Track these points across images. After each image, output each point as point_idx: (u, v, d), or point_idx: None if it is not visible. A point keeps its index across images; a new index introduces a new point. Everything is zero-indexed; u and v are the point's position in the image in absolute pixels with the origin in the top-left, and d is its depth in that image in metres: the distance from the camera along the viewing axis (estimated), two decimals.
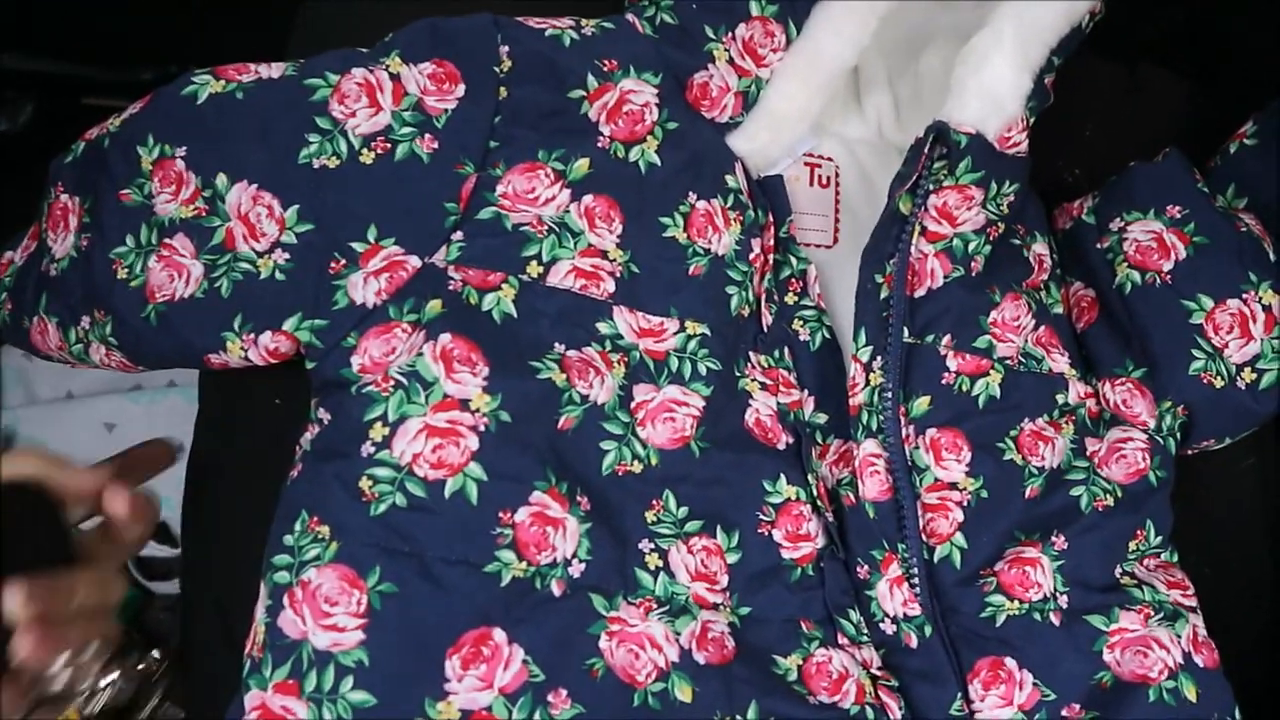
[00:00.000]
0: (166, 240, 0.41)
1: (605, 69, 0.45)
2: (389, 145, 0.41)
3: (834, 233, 0.51)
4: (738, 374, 0.44)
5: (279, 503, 0.39)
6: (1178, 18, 0.63)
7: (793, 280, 0.46)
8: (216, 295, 0.40)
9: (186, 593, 0.48)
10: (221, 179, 0.41)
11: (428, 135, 0.41)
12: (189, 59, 0.78)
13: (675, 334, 0.42)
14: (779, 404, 0.44)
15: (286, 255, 0.40)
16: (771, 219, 0.46)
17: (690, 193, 0.44)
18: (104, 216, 0.42)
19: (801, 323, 0.46)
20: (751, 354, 0.44)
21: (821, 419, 0.45)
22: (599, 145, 0.44)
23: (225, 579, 0.45)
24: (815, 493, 0.43)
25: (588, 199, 0.43)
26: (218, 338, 0.41)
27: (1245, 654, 0.53)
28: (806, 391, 0.45)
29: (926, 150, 0.44)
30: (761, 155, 0.47)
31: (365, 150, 0.41)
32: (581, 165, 0.43)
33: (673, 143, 0.45)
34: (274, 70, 0.42)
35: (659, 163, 0.44)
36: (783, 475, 0.42)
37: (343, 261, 0.40)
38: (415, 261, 0.40)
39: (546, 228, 0.42)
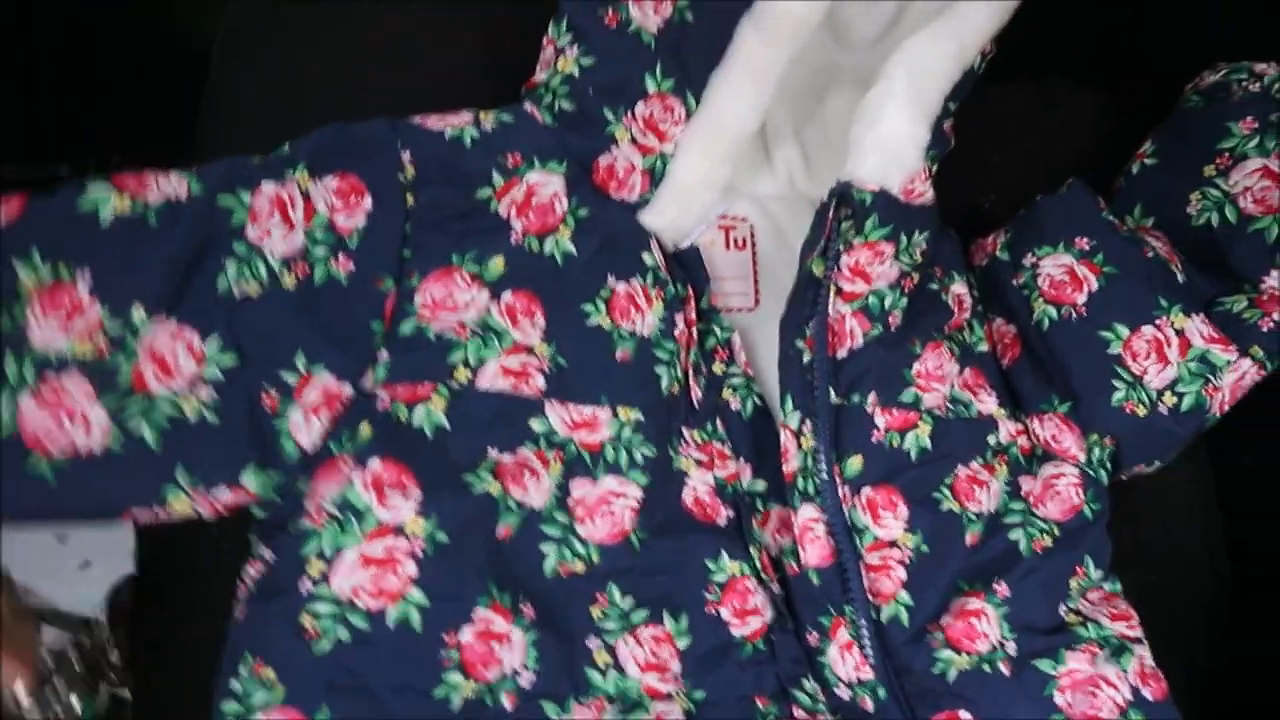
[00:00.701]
0: (49, 377, 0.36)
1: (510, 164, 0.44)
2: (307, 268, 0.40)
3: (754, 294, 0.51)
4: (672, 453, 0.44)
5: (225, 645, 0.38)
6: (1085, 31, 0.63)
7: (719, 349, 0.46)
8: (141, 447, 0.37)
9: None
10: (139, 313, 0.37)
11: (341, 255, 0.41)
12: (108, 151, 0.77)
13: (608, 422, 0.42)
14: (716, 478, 0.44)
15: (213, 393, 0.38)
16: (691, 291, 0.46)
17: (609, 276, 0.44)
18: None
19: (731, 391, 0.46)
20: (684, 430, 0.44)
21: (760, 486, 0.45)
22: (512, 241, 0.44)
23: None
24: (759, 564, 0.43)
25: (507, 296, 0.43)
26: (154, 492, 0.37)
27: (1197, 663, 0.55)
28: (743, 459, 0.45)
29: (832, 213, 0.45)
30: (674, 228, 0.47)
31: (286, 273, 0.40)
32: (497, 263, 0.43)
33: (585, 229, 0.45)
34: (179, 188, 0.39)
35: (574, 251, 0.44)
36: (724, 551, 0.42)
37: (275, 396, 0.39)
38: (349, 390, 0.40)
39: (469, 331, 0.42)
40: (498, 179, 0.44)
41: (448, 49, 0.55)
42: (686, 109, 0.45)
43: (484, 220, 0.43)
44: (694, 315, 0.46)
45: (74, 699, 0.49)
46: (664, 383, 0.44)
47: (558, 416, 0.42)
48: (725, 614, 0.42)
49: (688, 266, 0.47)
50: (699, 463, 0.44)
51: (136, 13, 0.69)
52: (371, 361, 0.40)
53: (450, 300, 0.42)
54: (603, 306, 0.44)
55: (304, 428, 0.39)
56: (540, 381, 0.42)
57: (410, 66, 0.54)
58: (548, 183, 0.44)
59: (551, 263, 0.44)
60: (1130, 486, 0.53)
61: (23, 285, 0.36)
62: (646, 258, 0.45)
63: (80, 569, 0.64)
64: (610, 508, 0.41)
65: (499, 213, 0.44)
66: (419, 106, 0.48)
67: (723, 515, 0.44)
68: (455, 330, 0.41)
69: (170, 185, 0.40)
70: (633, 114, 0.45)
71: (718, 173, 0.47)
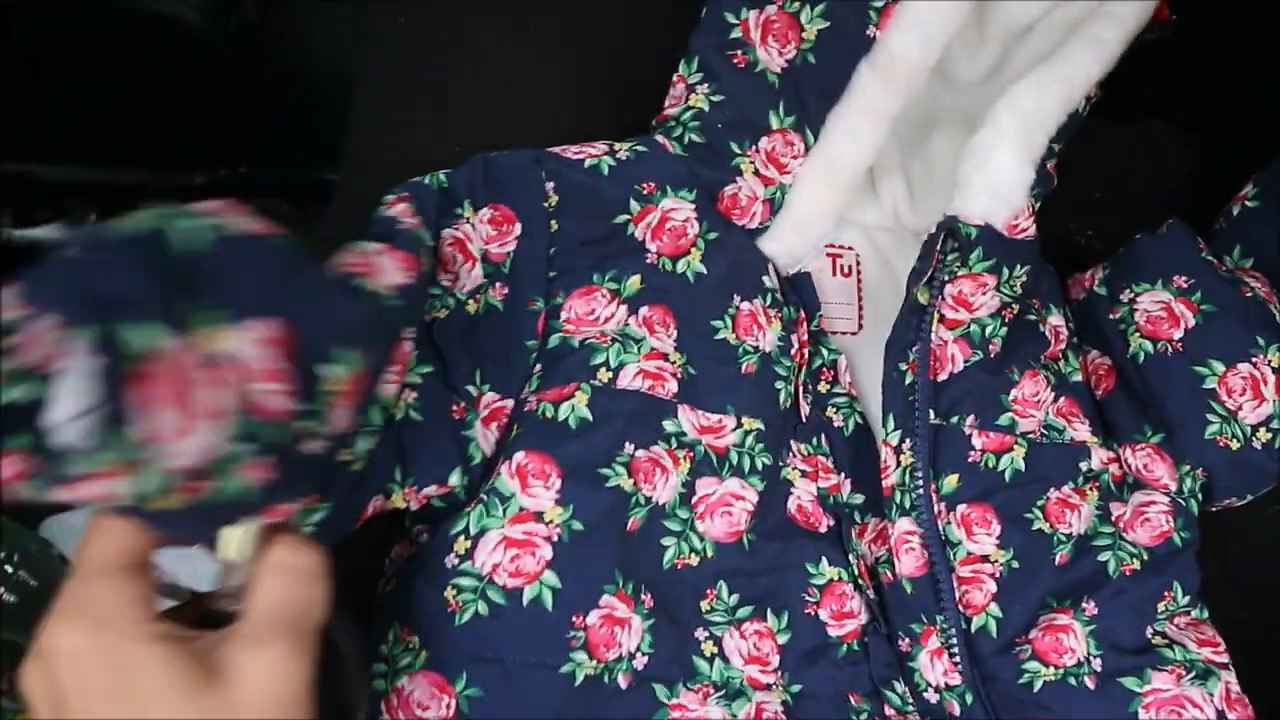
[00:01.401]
0: None
1: (645, 192, 0.48)
2: (477, 299, 0.45)
3: (858, 319, 0.54)
4: (781, 464, 0.47)
5: (375, 614, 0.43)
6: (1175, 76, 0.65)
7: (824, 370, 0.50)
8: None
9: None
10: None
11: (498, 283, 0.45)
12: (239, 161, 0.84)
13: (734, 430, 0.46)
14: (819, 489, 0.47)
15: (415, 395, 0.42)
16: (803, 314, 0.50)
17: (735, 295, 0.48)
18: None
19: (835, 410, 0.49)
20: (792, 443, 0.48)
21: (859, 500, 0.48)
22: (648, 261, 0.47)
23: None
24: (856, 571, 0.46)
25: (644, 310, 0.46)
26: (384, 489, 0.41)
27: None
28: (843, 474, 0.48)
29: (940, 245, 0.47)
30: (788, 255, 0.51)
31: (470, 301, 0.45)
32: (634, 282, 0.47)
33: (714, 251, 0.48)
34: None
35: (705, 271, 0.48)
36: (824, 557, 0.46)
37: (462, 405, 0.43)
38: (510, 404, 0.44)
39: (610, 338, 0.45)
40: (634, 205, 0.48)
41: (571, 74, 0.59)
42: (806, 144, 0.49)
43: (622, 243, 0.47)
44: (805, 336, 0.49)
45: None
46: (782, 397, 0.47)
47: (687, 420, 0.45)
48: (824, 615, 0.45)
49: (800, 291, 0.51)
50: (804, 473, 0.47)
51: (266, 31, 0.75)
52: (529, 376, 0.45)
53: (592, 315, 0.46)
54: (729, 322, 0.47)
55: (482, 437, 0.43)
56: (674, 386, 0.45)
57: (531, 84, 0.58)
58: (680, 209, 0.48)
59: (684, 280, 0.47)
60: (1219, 519, 0.54)
61: None
62: (766, 280, 0.49)
63: (200, 548, 0.68)
64: (730, 509, 0.45)
65: (635, 236, 0.48)
66: (542, 122, 0.52)
67: (824, 524, 0.47)
68: (597, 338, 0.45)
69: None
70: (756, 147, 0.49)
71: (834, 204, 0.50)
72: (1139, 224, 0.57)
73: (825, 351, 0.50)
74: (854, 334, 0.54)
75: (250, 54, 0.78)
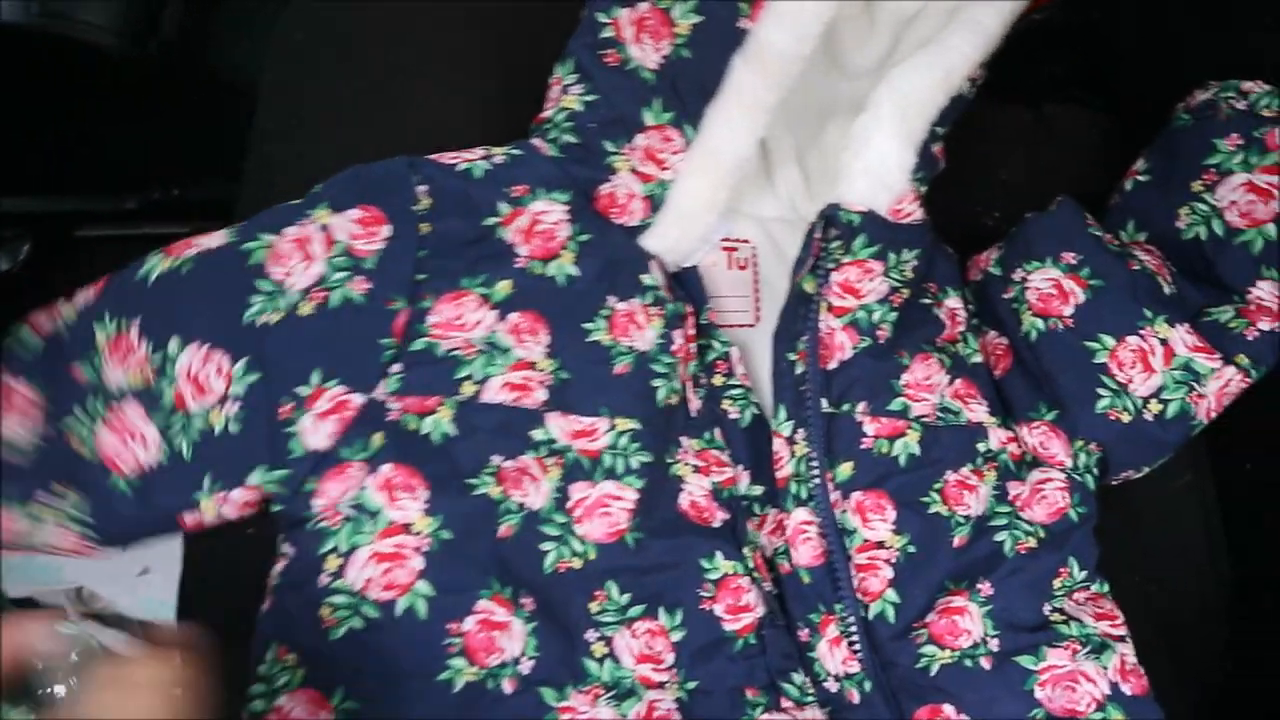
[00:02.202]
0: (114, 405, 0.43)
1: (515, 195, 0.48)
2: (325, 293, 0.44)
3: (755, 311, 0.54)
4: (669, 460, 0.47)
5: (254, 635, 0.42)
6: (1072, 56, 0.66)
7: (719, 362, 0.50)
8: (179, 458, 0.43)
9: None
10: (174, 343, 0.43)
11: (359, 278, 0.45)
12: (171, 183, 0.83)
13: (607, 432, 0.46)
14: (713, 484, 0.47)
15: (238, 406, 0.43)
16: (690, 308, 0.50)
17: (609, 296, 0.48)
18: (57, 392, 0.44)
19: (730, 402, 0.49)
20: (682, 439, 0.47)
21: (758, 491, 0.48)
22: (517, 265, 0.47)
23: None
24: (753, 564, 0.46)
25: (513, 316, 0.46)
26: (190, 499, 0.43)
27: (1200, 665, 0.56)
28: (741, 466, 0.48)
29: (819, 233, 0.47)
30: (675, 250, 0.51)
31: (303, 302, 0.44)
32: (504, 286, 0.46)
33: (587, 253, 0.48)
34: (215, 240, 0.45)
35: (578, 273, 0.48)
36: (718, 552, 0.45)
37: (290, 405, 0.43)
38: (359, 399, 0.44)
39: (476, 349, 0.45)
40: (504, 208, 0.48)
41: (471, 83, 0.59)
42: (685, 139, 0.49)
43: (492, 246, 0.47)
44: (693, 332, 0.49)
45: None
46: (660, 395, 0.47)
47: (557, 427, 0.45)
48: (719, 610, 0.45)
49: (688, 286, 0.50)
50: (696, 469, 0.47)
51: (186, 49, 0.75)
52: (384, 374, 0.44)
53: (460, 320, 0.45)
54: (604, 324, 0.47)
55: (313, 430, 0.43)
56: (542, 395, 0.45)
57: (434, 98, 0.58)
58: (551, 211, 0.48)
59: (554, 284, 0.47)
60: (1132, 493, 0.55)
61: (98, 341, 0.43)
62: (646, 279, 0.49)
63: (139, 576, 0.68)
64: (607, 509, 0.44)
65: (505, 239, 0.47)
66: (442, 134, 0.52)
67: (718, 518, 0.46)
68: (462, 349, 0.45)
69: (207, 240, 0.46)
70: (632, 145, 0.49)
71: (716, 198, 0.50)
72: (1045, 204, 0.57)
73: (718, 344, 0.50)
74: (752, 326, 0.54)
75: (170, 74, 0.77)
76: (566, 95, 0.49)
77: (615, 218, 0.49)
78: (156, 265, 0.45)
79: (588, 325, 0.47)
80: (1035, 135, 0.66)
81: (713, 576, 0.45)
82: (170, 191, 0.83)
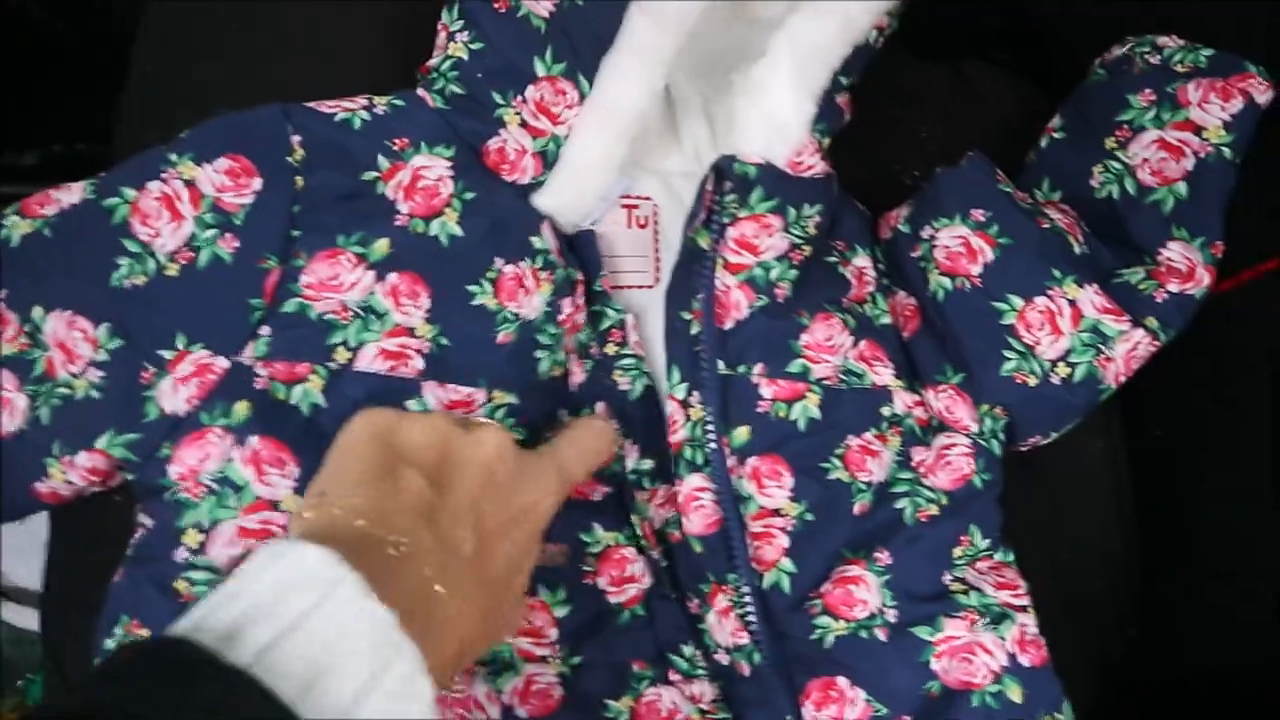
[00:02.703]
0: None
1: (396, 148, 0.45)
2: (193, 253, 0.42)
3: (655, 272, 0.51)
4: (548, 436, 0.44)
5: (103, 606, 0.40)
6: (990, 16, 0.64)
7: (613, 331, 0.47)
8: (38, 423, 0.41)
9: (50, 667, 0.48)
10: (38, 311, 0.41)
11: (228, 234, 0.42)
12: (73, 138, 0.78)
13: (483, 405, 0.43)
14: None
15: (100, 373, 0.41)
16: (581, 276, 0.47)
17: (496, 258, 0.45)
18: None
19: (622, 373, 0.46)
20: (562, 414, 0.45)
21: (647, 465, 0.45)
22: (397, 224, 0.44)
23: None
24: (641, 534, 0.44)
25: (392, 277, 0.43)
26: (41, 465, 0.41)
27: (1108, 633, 0.55)
28: (631, 440, 0.45)
29: (711, 186, 0.45)
30: (569, 209, 0.48)
31: (170, 263, 0.41)
32: (382, 245, 0.43)
33: (473, 211, 0.45)
34: (74, 194, 0.43)
35: (461, 233, 0.45)
36: (596, 524, 0.43)
37: (152, 370, 0.41)
38: (223, 362, 0.41)
39: (351, 313, 0.42)
40: (383, 162, 0.45)
41: (360, 38, 0.56)
42: (580, 92, 0.46)
43: (370, 203, 0.44)
44: (582, 301, 0.47)
45: None
46: (543, 367, 0.44)
47: (434, 397, 0.42)
48: (602, 583, 0.43)
49: (581, 251, 0.48)
50: None
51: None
52: (252, 337, 0.41)
53: (335, 280, 0.42)
54: (489, 287, 0.44)
55: (170, 394, 0.40)
56: (419, 363, 0.42)
57: (324, 55, 0.55)
58: (434, 166, 0.45)
59: (437, 244, 0.44)
60: (1044, 460, 0.53)
61: None
62: (536, 241, 0.46)
63: (32, 543, 0.66)
64: None
65: (385, 195, 0.44)
66: (330, 94, 0.49)
67: (598, 491, 0.44)
68: (337, 312, 0.42)
69: (67, 195, 0.43)
70: (522, 97, 0.46)
71: (612, 154, 0.47)
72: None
73: (612, 312, 0.47)
74: (651, 287, 0.51)
75: (57, 25, 0.73)
76: (453, 43, 0.46)
77: (505, 175, 0.46)
78: (15, 228, 0.42)
79: (472, 288, 0.44)
80: (955, 93, 0.64)
81: (594, 550, 0.43)
82: (72, 146, 0.79)
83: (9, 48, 0.72)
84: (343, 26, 0.56)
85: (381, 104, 0.46)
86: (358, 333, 0.42)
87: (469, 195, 0.45)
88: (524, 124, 0.46)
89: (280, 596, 0.26)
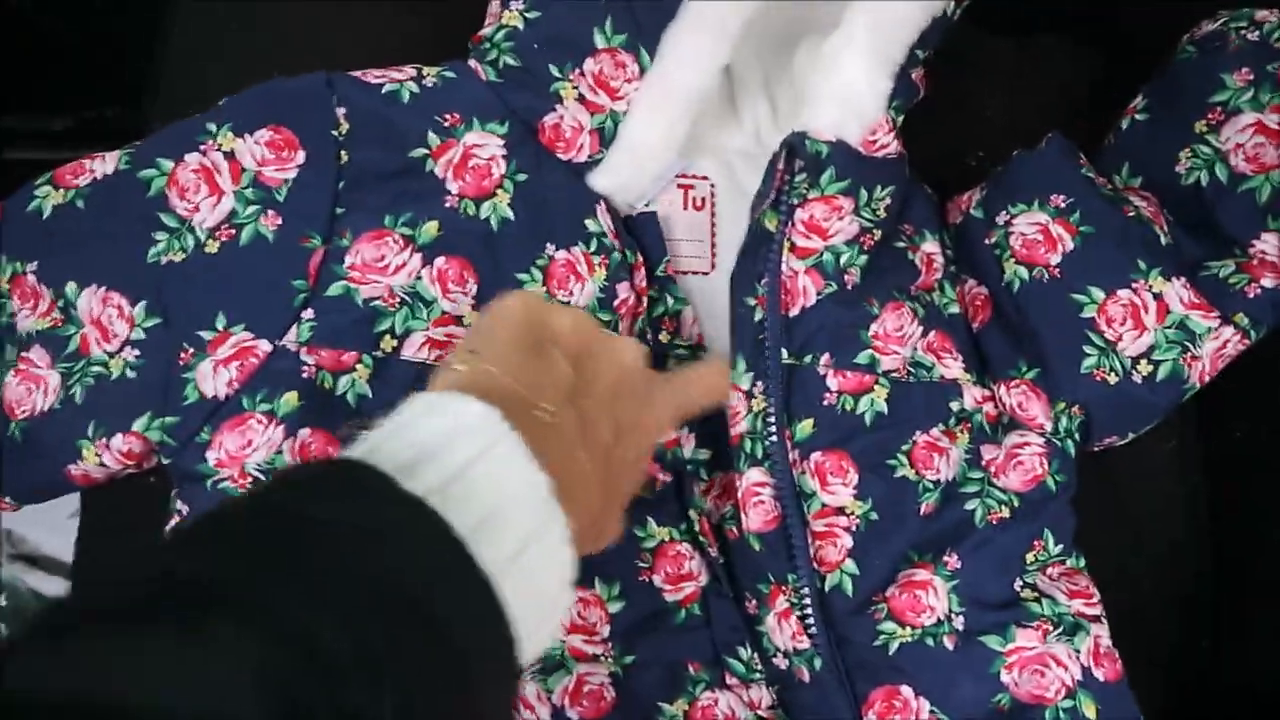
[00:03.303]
0: (23, 354, 0.40)
1: (447, 124, 0.43)
2: (234, 230, 0.40)
3: (711, 258, 0.49)
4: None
5: None
6: None
7: (666, 319, 0.45)
8: (71, 403, 0.39)
9: None
10: (71, 287, 0.40)
11: (270, 211, 0.40)
12: (106, 102, 0.77)
13: None
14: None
15: (136, 352, 0.39)
16: (642, 259, 0.45)
17: (548, 244, 0.43)
18: None
19: (676, 362, 0.44)
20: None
21: (703, 455, 0.44)
22: (447, 205, 0.42)
23: None
24: (698, 529, 0.42)
25: (440, 262, 0.41)
26: (74, 447, 0.39)
27: (1178, 643, 0.52)
28: (687, 430, 0.43)
29: (782, 165, 0.43)
30: (627, 190, 0.45)
31: (210, 240, 0.40)
32: (430, 228, 0.42)
33: (525, 194, 0.43)
34: (108, 164, 0.41)
35: (512, 216, 0.43)
36: (650, 519, 0.41)
37: (191, 351, 0.39)
38: (265, 346, 0.39)
39: (398, 300, 0.41)
40: (434, 139, 0.43)
41: (405, 36, 0.53)
42: (640, 66, 0.43)
43: (419, 181, 0.42)
44: (644, 284, 0.44)
45: None
46: None
47: None
48: (658, 580, 0.41)
49: (641, 232, 0.45)
50: None
51: None
52: (296, 320, 0.40)
53: (382, 263, 0.41)
54: (539, 275, 0.42)
55: (210, 377, 0.39)
56: None
57: (366, 22, 0.53)
58: (486, 144, 0.43)
59: (487, 228, 0.42)
60: (1113, 456, 0.51)
61: (2, 286, 0.41)
62: (591, 224, 0.44)
63: (69, 518, 0.66)
64: None
65: (435, 173, 0.42)
66: (373, 62, 0.47)
67: (659, 482, 0.42)
68: (384, 298, 0.40)
69: (101, 165, 0.41)
70: (581, 70, 0.43)
71: (674, 132, 0.45)
72: (1032, 144, 0.52)
73: (671, 299, 0.45)
74: (706, 274, 0.49)
75: None
76: (507, 10, 0.44)
77: (560, 153, 0.44)
78: (48, 198, 0.41)
79: (522, 276, 0.42)
80: (1023, 70, 0.61)
81: (648, 545, 0.41)
82: (103, 112, 0.78)
83: (42, 10, 0.70)
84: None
85: (431, 75, 0.44)
86: (404, 320, 0.41)
87: (521, 177, 0.43)
88: (582, 99, 0.44)
89: (447, 444, 0.25)
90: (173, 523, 0.40)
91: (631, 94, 0.44)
